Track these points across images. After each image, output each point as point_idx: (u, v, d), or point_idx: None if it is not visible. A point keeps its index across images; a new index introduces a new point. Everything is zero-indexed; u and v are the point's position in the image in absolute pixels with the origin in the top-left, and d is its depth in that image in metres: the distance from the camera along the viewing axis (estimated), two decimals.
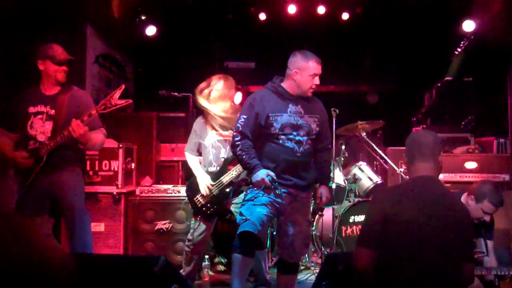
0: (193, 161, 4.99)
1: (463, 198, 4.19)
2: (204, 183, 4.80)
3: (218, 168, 4.83)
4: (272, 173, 4.00)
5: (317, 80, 4.14)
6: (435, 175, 3.05)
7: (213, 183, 4.79)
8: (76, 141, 4.26)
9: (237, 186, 4.80)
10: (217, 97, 4.87)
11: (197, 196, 4.84)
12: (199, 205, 4.83)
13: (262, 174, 3.98)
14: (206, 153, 4.91)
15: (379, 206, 2.92)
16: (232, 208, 4.87)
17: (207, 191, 4.78)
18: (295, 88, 4.15)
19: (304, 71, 4.11)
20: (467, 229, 2.95)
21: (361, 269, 2.88)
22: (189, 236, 4.95)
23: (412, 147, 3.08)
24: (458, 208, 2.95)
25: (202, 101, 4.89)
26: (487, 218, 4.20)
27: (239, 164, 4.62)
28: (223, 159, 4.83)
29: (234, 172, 4.72)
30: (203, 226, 4.88)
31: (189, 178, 5.06)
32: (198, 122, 5.03)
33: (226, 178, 4.75)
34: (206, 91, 4.89)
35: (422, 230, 2.80)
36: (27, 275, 2.45)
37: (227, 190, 4.77)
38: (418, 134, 3.36)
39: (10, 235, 2.47)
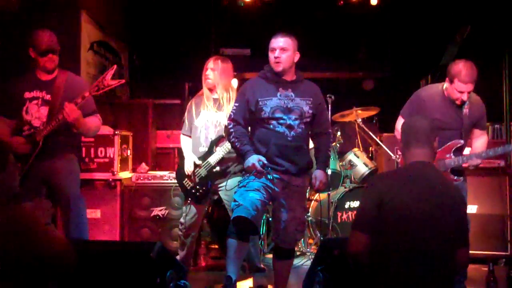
0: (186, 143, 5.00)
1: (445, 83, 4.39)
2: (190, 163, 4.82)
3: (207, 149, 4.85)
4: (263, 158, 4.02)
5: (277, 53, 4.11)
6: (430, 161, 3.06)
7: (198, 163, 4.80)
8: (70, 125, 4.25)
9: (224, 166, 4.80)
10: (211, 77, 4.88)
11: (186, 179, 4.85)
12: (189, 188, 4.84)
13: (253, 159, 4.01)
14: (197, 133, 4.91)
15: (374, 191, 2.93)
16: (221, 194, 4.87)
17: (189, 171, 4.80)
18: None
19: (269, 49, 4.18)
20: (462, 214, 2.97)
21: (356, 253, 2.89)
22: (182, 220, 4.97)
23: (408, 133, 3.09)
24: (454, 194, 2.97)
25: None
26: (463, 97, 4.32)
27: (225, 144, 4.69)
28: (211, 139, 4.84)
29: (221, 152, 4.74)
30: (194, 209, 4.89)
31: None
32: (191, 102, 5.05)
33: (213, 159, 4.76)
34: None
35: (418, 215, 2.81)
36: (29, 263, 2.46)
37: (215, 170, 4.79)
38: (413, 120, 3.36)
39: (12, 225, 2.48)
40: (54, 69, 4.43)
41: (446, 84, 4.41)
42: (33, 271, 2.51)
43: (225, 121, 4.72)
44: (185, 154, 4.96)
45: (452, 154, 4.41)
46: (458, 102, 4.37)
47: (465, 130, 4.46)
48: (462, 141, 4.43)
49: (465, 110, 4.41)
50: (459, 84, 4.28)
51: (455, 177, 4.40)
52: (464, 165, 4.38)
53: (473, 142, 4.59)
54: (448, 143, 4.41)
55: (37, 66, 4.41)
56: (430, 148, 3.04)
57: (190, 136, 5.00)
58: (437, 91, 4.52)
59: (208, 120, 4.87)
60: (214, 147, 4.80)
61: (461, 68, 4.27)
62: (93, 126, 4.48)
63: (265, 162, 4.02)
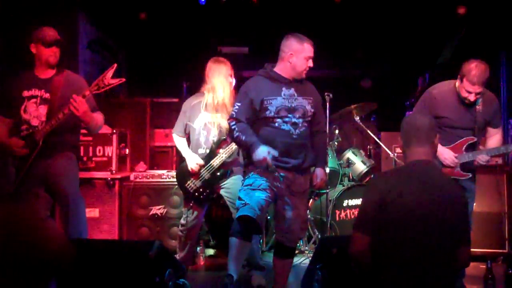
0: (182, 143, 4.96)
1: (457, 81, 4.37)
2: (194, 161, 4.78)
3: (207, 150, 4.81)
4: (273, 151, 3.92)
5: (311, 63, 4.15)
6: (431, 159, 3.05)
7: (202, 162, 4.77)
8: (78, 120, 4.24)
9: (227, 169, 4.79)
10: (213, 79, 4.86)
11: (188, 182, 4.82)
12: (191, 191, 4.81)
13: (263, 152, 3.90)
14: (195, 135, 4.88)
15: (375, 191, 2.91)
16: (222, 192, 4.86)
17: (196, 170, 4.76)
18: (289, 71, 4.15)
19: (300, 53, 4.12)
20: (464, 213, 2.96)
21: (358, 254, 2.88)
22: (182, 221, 4.95)
23: (409, 131, 3.06)
24: (455, 192, 2.95)
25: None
26: (471, 97, 4.30)
27: (228, 146, 4.66)
28: (212, 141, 4.82)
29: (224, 154, 4.71)
30: (195, 212, 4.88)
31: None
32: (188, 103, 4.97)
33: (216, 161, 4.74)
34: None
35: (419, 215, 2.80)
36: (27, 260, 2.46)
37: (218, 173, 4.77)
38: (414, 118, 3.35)
39: (11, 222, 2.47)
40: (55, 65, 4.41)
41: (458, 82, 4.38)
42: (32, 269, 2.50)
43: (225, 123, 4.68)
44: (184, 154, 4.90)
45: (463, 150, 4.41)
46: (466, 102, 4.36)
47: (479, 128, 4.43)
48: (475, 138, 4.42)
49: (478, 107, 4.39)
50: (467, 83, 4.26)
51: (464, 173, 4.40)
52: (478, 160, 4.37)
53: (486, 141, 4.56)
54: (460, 140, 4.41)
55: (38, 61, 4.38)
56: (431, 146, 3.03)
57: (184, 136, 4.97)
58: (449, 89, 4.47)
59: (208, 121, 4.84)
60: (216, 149, 4.77)
61: (472, 68, 4.24)
62: (100, 121, 4.46)
63: (275, 154, 3.94)
